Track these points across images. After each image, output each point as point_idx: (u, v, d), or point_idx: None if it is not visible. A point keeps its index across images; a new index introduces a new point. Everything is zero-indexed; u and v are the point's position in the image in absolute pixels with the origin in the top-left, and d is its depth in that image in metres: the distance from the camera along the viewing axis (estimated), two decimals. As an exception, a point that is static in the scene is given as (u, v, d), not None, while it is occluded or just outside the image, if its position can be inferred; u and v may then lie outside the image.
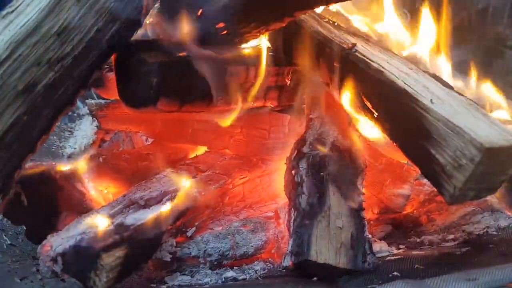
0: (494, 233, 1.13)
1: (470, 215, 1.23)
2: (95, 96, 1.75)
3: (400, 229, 1.26)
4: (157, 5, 1.05)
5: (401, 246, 1.14)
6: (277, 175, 1.29)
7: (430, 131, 0.88)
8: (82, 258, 0.81)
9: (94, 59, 0.89)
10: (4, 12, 0.86)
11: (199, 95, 1.07)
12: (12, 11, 0.85)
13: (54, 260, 0.83)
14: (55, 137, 1.79)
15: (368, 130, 1.24)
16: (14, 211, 1.00)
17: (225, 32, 1.04)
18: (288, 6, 0.97)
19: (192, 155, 1.41)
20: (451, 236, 1.16)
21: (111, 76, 1.33)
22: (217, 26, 1.03)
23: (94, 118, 1.61)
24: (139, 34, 1.03)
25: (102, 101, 1.52)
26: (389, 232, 1.25)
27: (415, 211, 1.32)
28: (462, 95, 1.02)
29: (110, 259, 0.81)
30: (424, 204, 1.34)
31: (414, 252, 1.07)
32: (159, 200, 1.04)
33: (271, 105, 1.29)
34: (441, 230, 1.21)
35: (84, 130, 1.84)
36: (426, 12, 1.35)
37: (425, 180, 1.37)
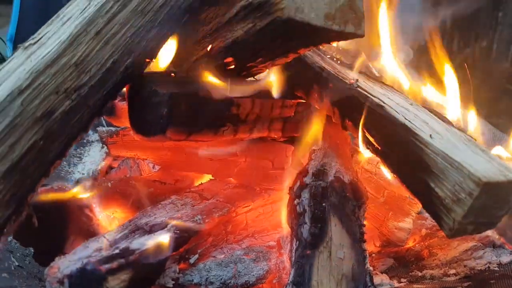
0: (496, 268, 1.13)
1: (472, 250, 1.23)
2: (104, 123, 1.80)
3: (401, 262, 1.26)
4: (169, 41, 1.10)
5: (402, 280, 1.14)
6: (279, 204, 1.30)
7: (429, 164, 0.90)
8: (88, 280, 0.83)
9: (109, 89, 0.93)
10: (26, 44, 0.91)
11: (206, 125, 1.11)
12: (35, 43, 0.91)
13: (60, 282, 0.85)
14: (64, 163, 1.83)
15: (370, 162, 1.27)
16: (23, 233, 1.02)
17: (232, 66, 1.09)
18: (293, 44, 1.02)
19: (197, 183, 1.44)
20: (453, 271, 1.16)
21: (122, 105, 1.39)
22: (225, 61, 1.08)
23: (104, 145, 1.65)
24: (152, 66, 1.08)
25: (113, 129, 1.56)
26: (391, 265, 1.25)
27: (417, 245, 1.32)
28: (461, 130, 1.05)
29: (115, 282, 0.82)
30: (426, 238, 1.34)
31: (416, 286, 1.07)
32: (163, 226, 1.06)
33: (275, 136, 1.32)
34: (443, 265, 1.21)
35: (93, 156, 1.88)
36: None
37: (427, 214, 1.38)
